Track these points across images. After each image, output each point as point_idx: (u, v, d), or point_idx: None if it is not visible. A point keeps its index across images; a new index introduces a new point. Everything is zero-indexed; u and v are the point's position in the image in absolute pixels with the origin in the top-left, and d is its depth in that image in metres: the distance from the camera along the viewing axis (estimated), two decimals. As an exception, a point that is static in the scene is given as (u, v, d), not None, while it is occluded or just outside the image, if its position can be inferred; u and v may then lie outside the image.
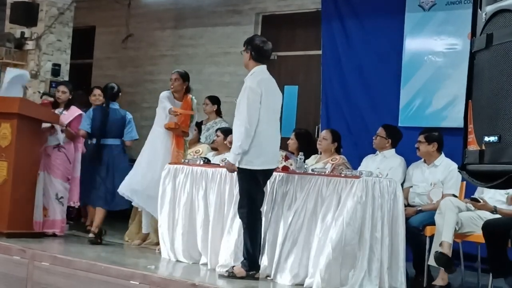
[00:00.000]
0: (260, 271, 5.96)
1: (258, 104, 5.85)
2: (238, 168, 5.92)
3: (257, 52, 6.03)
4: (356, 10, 8.53)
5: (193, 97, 7.52)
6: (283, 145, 7.23)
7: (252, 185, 5.90)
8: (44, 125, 7.79)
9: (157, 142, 7.37)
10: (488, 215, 6.00)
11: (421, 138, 6.69)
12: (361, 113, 8.34)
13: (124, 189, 7.37)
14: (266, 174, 5.99)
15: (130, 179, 7.37)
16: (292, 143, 7.35)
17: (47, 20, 10.07)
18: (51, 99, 8.50)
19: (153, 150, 7.37)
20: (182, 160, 7.10)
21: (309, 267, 5.73)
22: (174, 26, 10.94)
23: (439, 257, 5.77)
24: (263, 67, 6.05)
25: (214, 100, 8.89)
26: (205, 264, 6.44)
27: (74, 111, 8.05)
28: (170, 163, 6.98)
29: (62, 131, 7.86)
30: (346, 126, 8.27)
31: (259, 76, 5.97)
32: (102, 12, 11.57)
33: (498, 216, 5.99)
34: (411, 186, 6.73)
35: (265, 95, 5.89)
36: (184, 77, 7.49)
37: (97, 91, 8.70)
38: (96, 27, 11.94)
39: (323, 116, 8.70)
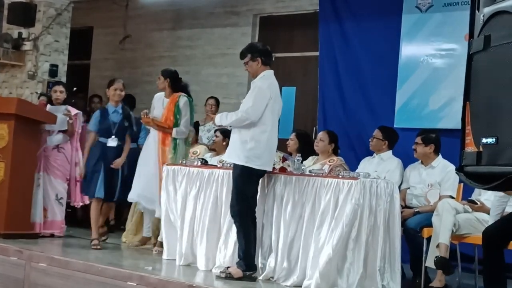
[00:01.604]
0: (264, 273, 5.98)
1: (264, 105, 5.90)
2: (236, 165, 5.95)
3: (265, 55, 6.09)
4: (353, 11, 8.53)
5: (183, 96, 7.38)
6: (282, 146, 7.23)
7: (248, 183, 5.92)
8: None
9: (151, 143, 7.38)
10: (486, 217, 6.01)
11: (418, 139, 6.69)
12: (358, 115, 8.34)
13: (133, 195, 7.41)
14: (261, 175, 6.03)
15: (134, 184, 7.41)
16: (293, 143, 7.34)
17: (45, 21, 10.07)
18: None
19: (147, 151, 7.41)
20: (169, 157, 7.16)
21: (307, 269, 5.74)
22: (172, 27, 10.93)
23: (439, 260, 5.78)
24: (272, 72, 6.09)
25: (219, 102, 8.97)
26: (202, 266, 6.43)
27: (72, 110, 8.05)
28: (168, 165, 6.98)
29: (64, 130, 7.87)
30: (343, 127, 8.27)
31: (269, 80, 6.03)
32: (100, 13, 11.56)
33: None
34: (408, 188, 6.73)
35: (273, 100, 5.96)
36: (165, 74, 7.47)
37: (118, 85, 7.54)
38: (94, 28, 11.93)
39: (320, 118, 8.70)
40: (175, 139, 7.27)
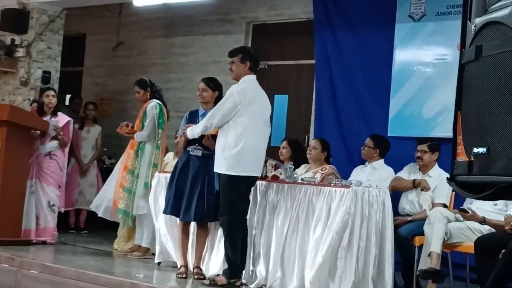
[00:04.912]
0: (256, 282, 5.98)
1: (231, 108, 5.88)
2: (220, 174, 5.94)
3: (255, 62, 6.13)
4: (347, 20, 8.54)
5: (151, 101, 7.56)
6: (275, 154, 7.23)
7: (233, 192, 5.90)
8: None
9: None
10: (477, 226, 6.03)
11: (424, 147, 6.66)
12: (352, 123, 8.35)
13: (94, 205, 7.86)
14: (248, 181, 5.97)
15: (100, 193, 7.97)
16: (286, 151, 7.29)
17: (38, 28, 10.05)
18: (41, 106, 8.47)
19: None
20: (133, 160, 7.37)
21: (299, 277, 5.74)
22: (165, 34, 10.93)
23: (422, 274, 5.81)
24: (254, 76, 6.09)
25: None
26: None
27: (63, 117, 8.04)
28: (160, 172, 6.98)
29: (56, 137, 7.85)
30: (337, 136, 8.26)
31: (245, 84, 6.01)
32: (93, 20, 11.55)
33: (486, 226, 6.02)
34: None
35: (248, 105, 5.91)
36: (138, 84, 7.72)
37: (199, 85, 6.54)
38: (86, 35, 11.91)
39: (316, 126, 8.69)
40: (139, 142, 7.47)
